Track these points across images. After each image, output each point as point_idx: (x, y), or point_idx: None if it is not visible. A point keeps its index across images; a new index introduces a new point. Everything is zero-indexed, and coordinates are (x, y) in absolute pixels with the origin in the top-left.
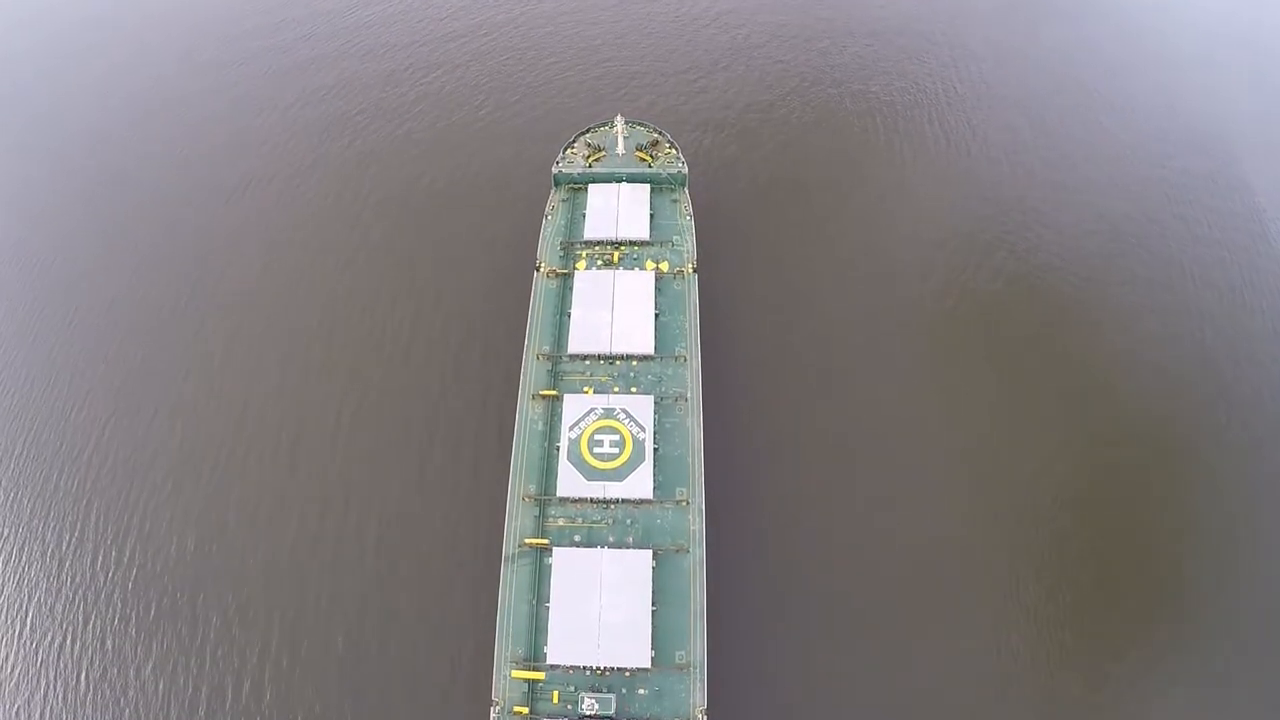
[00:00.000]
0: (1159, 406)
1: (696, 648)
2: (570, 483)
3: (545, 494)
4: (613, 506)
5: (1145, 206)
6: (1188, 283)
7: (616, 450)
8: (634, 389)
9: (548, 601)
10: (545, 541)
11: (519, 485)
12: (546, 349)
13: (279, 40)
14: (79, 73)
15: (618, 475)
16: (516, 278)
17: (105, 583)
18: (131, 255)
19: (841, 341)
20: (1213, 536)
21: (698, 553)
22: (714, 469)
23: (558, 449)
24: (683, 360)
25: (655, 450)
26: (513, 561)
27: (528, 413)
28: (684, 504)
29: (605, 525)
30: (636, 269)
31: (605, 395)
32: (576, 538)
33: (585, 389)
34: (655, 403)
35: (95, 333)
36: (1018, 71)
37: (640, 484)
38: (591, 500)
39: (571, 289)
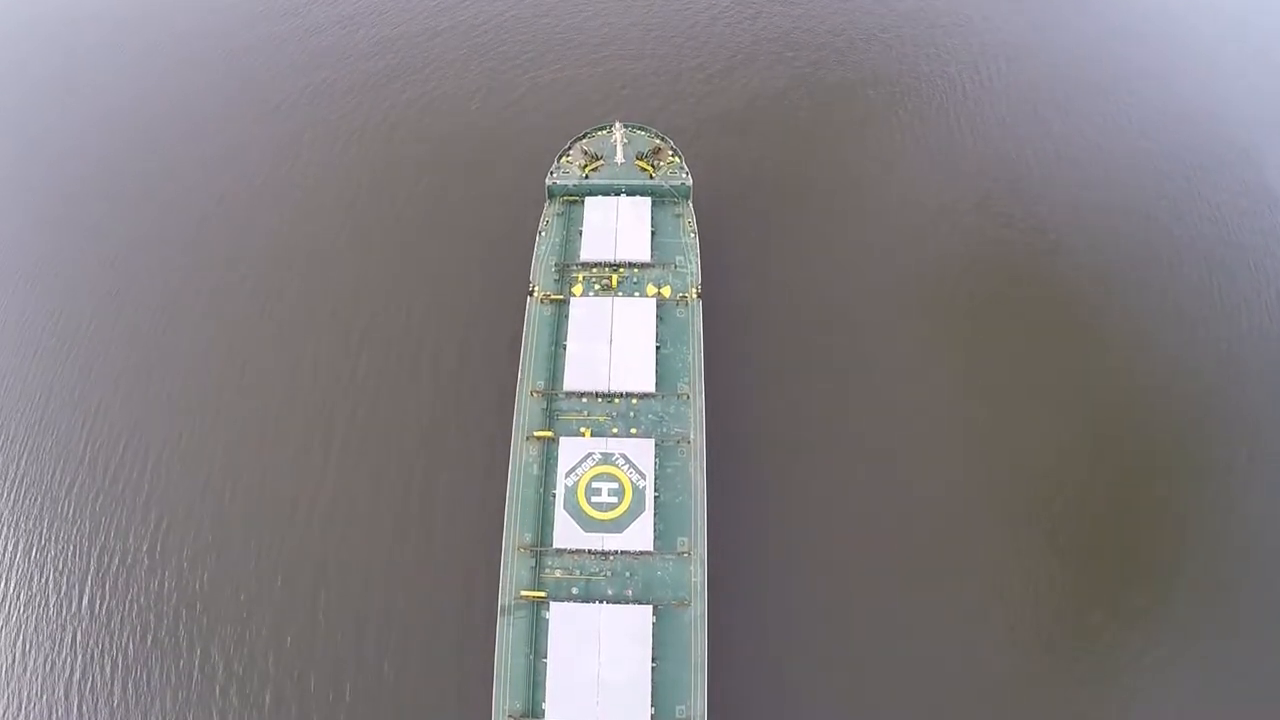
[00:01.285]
0: (1165, 378)
1: (697, 703)
2: (567, 534)
3: (541, 544)
4: (611, 558)
5: (1155, 183)
6: (1193, 261)
7: (615, 499)
8: (634, 430)
9: (545, 656)
10: (542, 594)
11: (514, 534)
12: (541, 385)
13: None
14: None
15: (617, 526)
16: (509, 301)
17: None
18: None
19: (857, 372)
20: (1215, 506)
21: (699, 605)
22: (717, 513)
23: (554, 496)
24: (685, 398)
25: (656, 497)
26: (509, 613)
27: (522, 455)
28: (686, 555)
29: (604, 577)
30: (637, 294)
31: (603, 439)
32: (574, 590)
33: (582, 430)
34: (656, 445)
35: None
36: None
37: (640, 535)
38: (590, 552)
39: (567, 317)
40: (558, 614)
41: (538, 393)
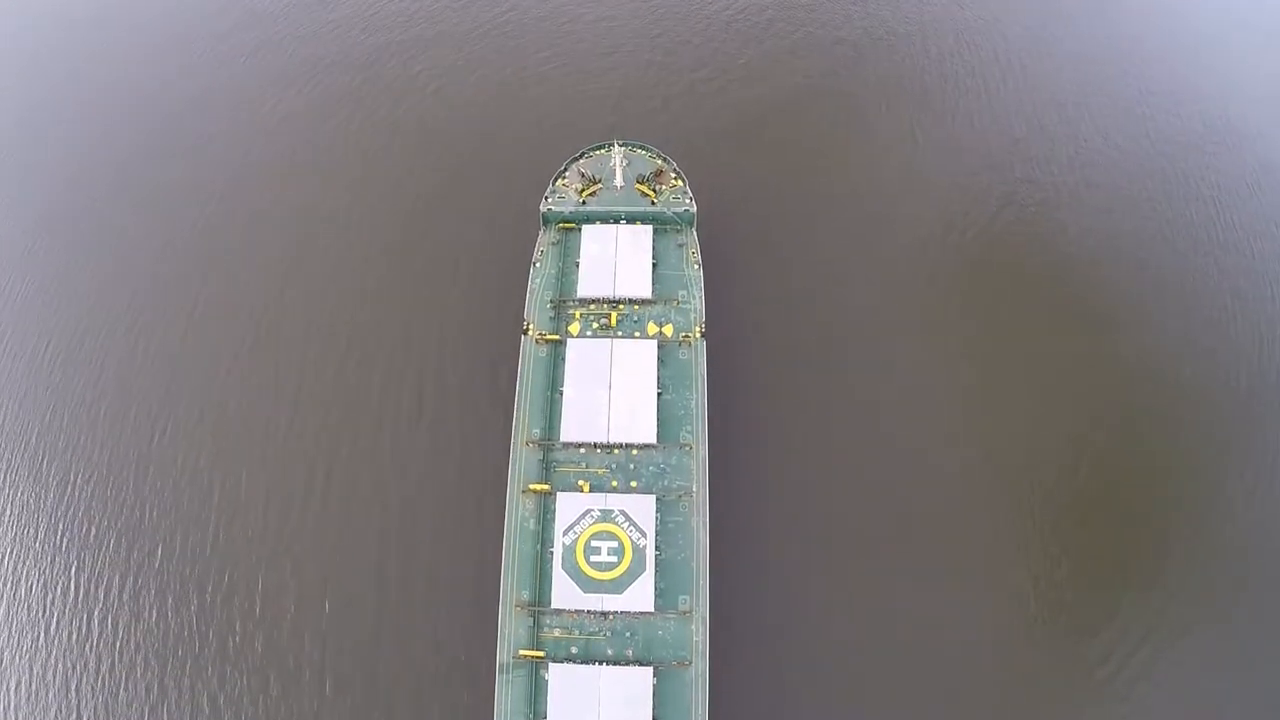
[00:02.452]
0: (1169, 360)
1: None
2: (565, 594)
3: (539, 603)
4: (611, 618)
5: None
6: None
7: (615, 559)
8: (634, 484)
9: (545, 718)
10: (541, 654)
11: (511, 591)
12: (537, 434)
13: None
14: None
15: (616, 587)
16: (502, 337)
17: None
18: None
19: (871, 416)
20: (1216, 484)
21: (700, 665)
22: (720, 568)
23: (551, 553)
24: (688, 449)
25: (657, 555)
26: (507, 672)
27: (518, 509)
28: (687, 614)
29: (603, 637)
30: (637, 333)
31: (603, 494)
32: (574, 649)
33: (580, 483)
34: (657, 500)
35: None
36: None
37: (641, 596)
38: (589, 612)
39: (564, 358)
40: (557, 675)
41: (533, 443)
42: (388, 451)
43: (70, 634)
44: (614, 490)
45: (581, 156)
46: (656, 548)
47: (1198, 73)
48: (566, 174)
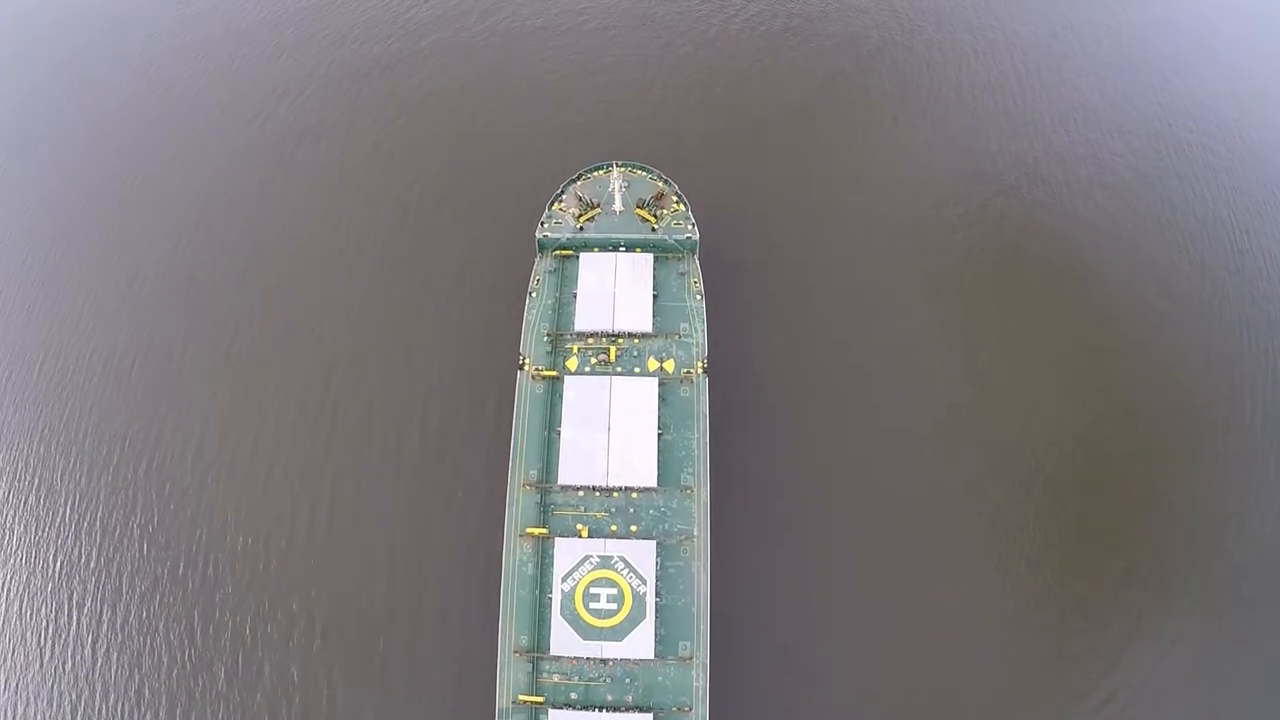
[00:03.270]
0: (1166, 354)
1: None
2: (564, 641)
3: (538, 650)
4: (611, 664)
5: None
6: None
7: (615, 606)
8: (633, 528)
9: None
10: (540, 700)
11: (509, 637)
12: (534, 476)
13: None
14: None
15: (616, 634)
16: (497, 372)
17: None
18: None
19: (878, 455)
20: (1212, 477)
21: (701, 711)
22: (720, 613)
23: (550, 599)
24: (689, 492)
25: (658, 602)
26: (507, 717)
27: (515, 553)
28: (688, 660)
29: (603, 684)
30: (637, 369)
31: (602, 539)
32: (573, 695)
33: (579, 527)
34: (658, 546)
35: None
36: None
37: (641, 643)
38: (589, 659)
39: (561, 396)
40: None
41: (530, 485)
42: (383, 489)
43: (58, 673)
44: (613, 535)
45: (579, 178)
46: (657, 594)
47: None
48: (563, 197)
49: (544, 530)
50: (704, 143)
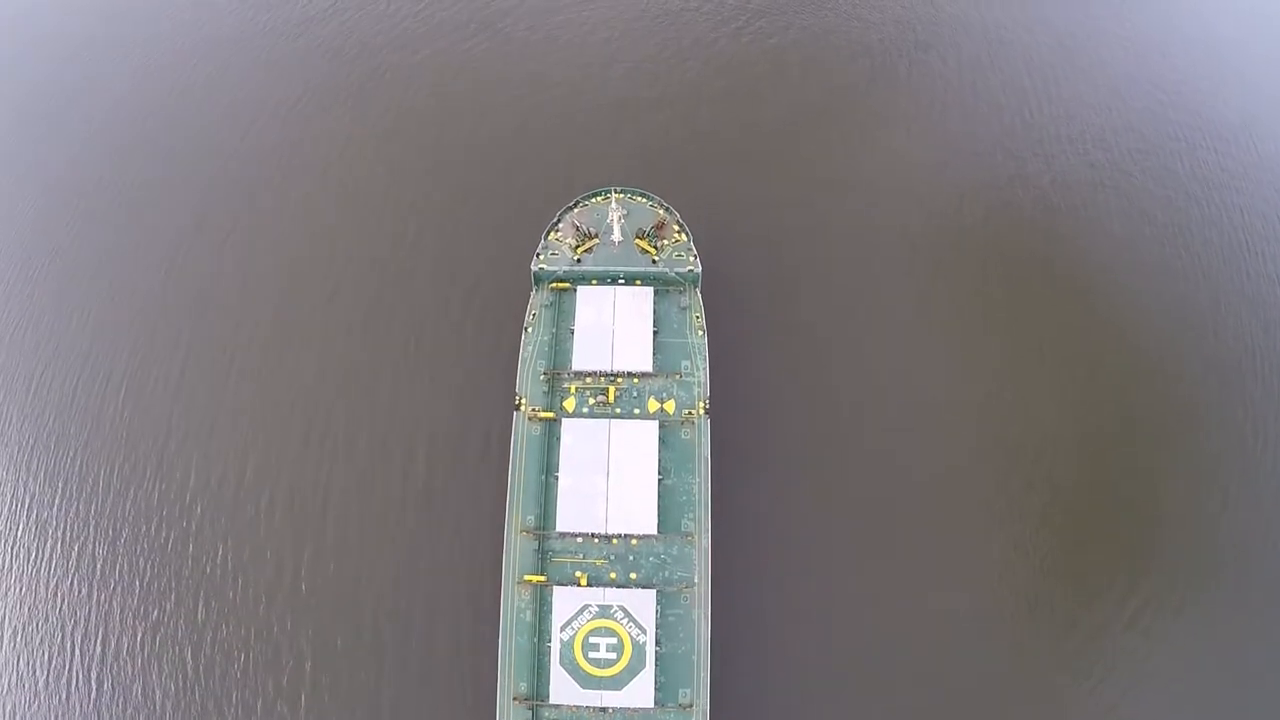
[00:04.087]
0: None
1: None
2: (563, 690)
3: (537, 697)
4: (610, 712)
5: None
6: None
7: (614, 655)
8: (633, 576)
9: None
10: None
11: (508, 683)
12: (531, 521)
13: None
14: None
15: (615, 683)
16: (493, 410)
17: None
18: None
19: (886, 498)
20: (1212, 475)
21: None
22: (721, 660)
23: (549, 647)
24: (690, 539)
25: (657, 650)
26: None
27: (513, 601)
28: (687, 708)
29: None
30: (637, 411)
31: (601, 588)
32: None
33: (578, 575)
34: (658, 594)
35: None
36: None
37: (640, 693)
38: (588, 707)
39: (559, 439)
40: None
41: (528, 532)
42: (378, 532)
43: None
44: (613, 584)
45: (576, 206)
46: (657, 642)
47: None
48: (559, 226)
49: (542, 578)
50: (708, 160)
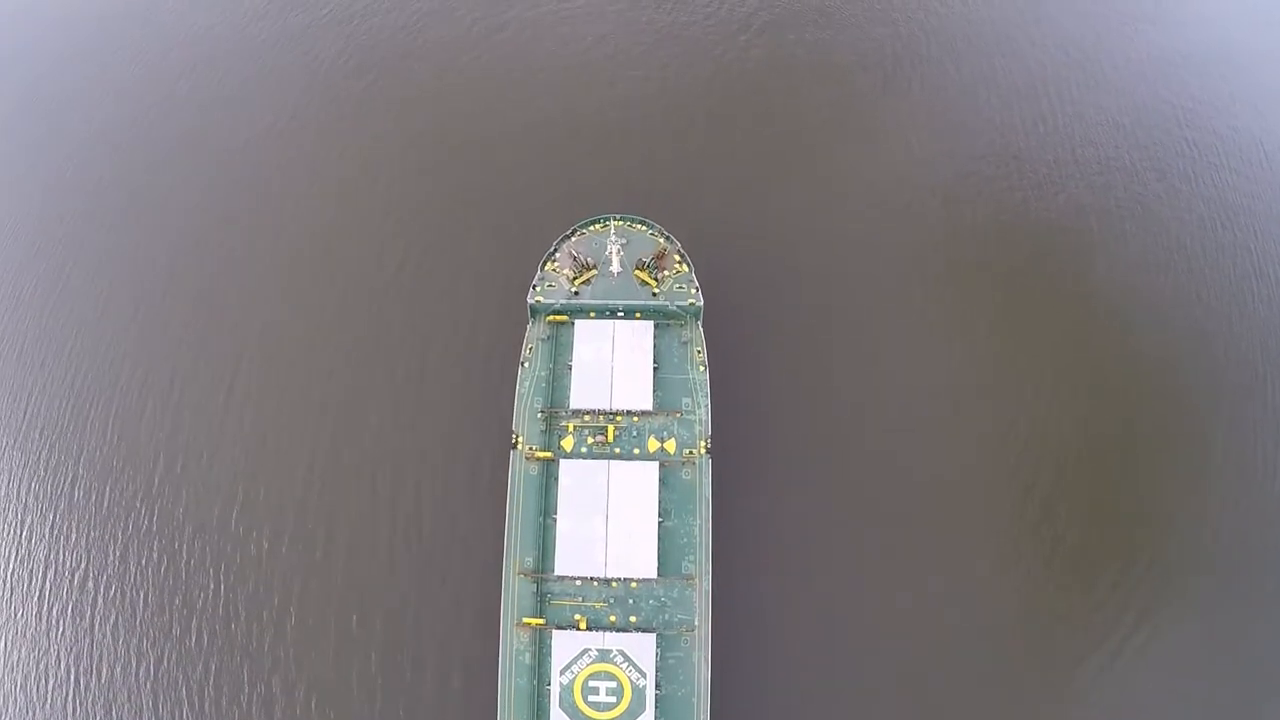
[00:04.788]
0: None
1: None
2: None
3: None
4: None
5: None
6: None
7: (614, 699)
8: (633, 619)
9: None
10: None
11: None
12: (529, 563)
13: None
14: None
15: None
16: (489, 447)
17: None
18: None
19: (894, 543)
20: (1212, 475)
21: None
22: (721, 702)
23: (548, 690)
24: (691, 581)
25: (658, 694)
26: None
27: (512, 643)
28: None
29: None
30: (636, 451)
31: (600, 633)
32: None
33: (577, 618)
34: (658, 637)
35: None
36: None
37: None
38: None
39: (556, 479)
40: None
41: (526, 574)
42: (374, 570)
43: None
44: (612, 627)
45: (573, 234)
46: (657, 686)
47: None
48: (557, 256)
49: (541, 620)
50: (709, 182)
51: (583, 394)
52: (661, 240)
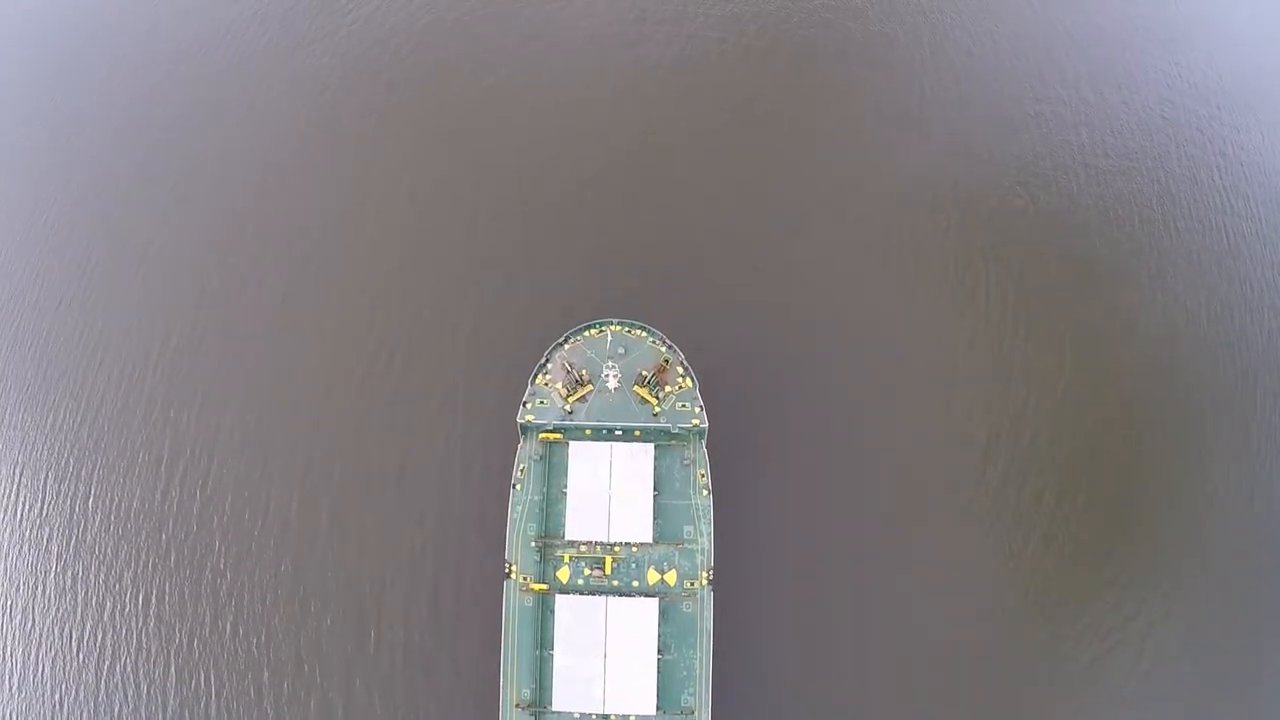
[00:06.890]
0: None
1: None
2: None
3: None
4: None
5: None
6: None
7: None
8: None
9: None
10: None
11: None
12: (527, 695)
13: None
14: None
15: None
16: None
17: None
18: None
19: (903, 680)
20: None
21: None
22: None
23: None
24: (690, 715)
25: None
26: None
27: None
28: None
29: None
30: (635, 582)
31: None
32: None
33: None
34: None
35: None
36: None
37: None
38: None
39: (552, 612)
40: None
41: (523, 706)
42: (372, 702)
43: None
44: None
45: (566, 341)
46: None
47: None
48: (549, 368)
49: None
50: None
51: (579, 523)
52: (663, 350)
